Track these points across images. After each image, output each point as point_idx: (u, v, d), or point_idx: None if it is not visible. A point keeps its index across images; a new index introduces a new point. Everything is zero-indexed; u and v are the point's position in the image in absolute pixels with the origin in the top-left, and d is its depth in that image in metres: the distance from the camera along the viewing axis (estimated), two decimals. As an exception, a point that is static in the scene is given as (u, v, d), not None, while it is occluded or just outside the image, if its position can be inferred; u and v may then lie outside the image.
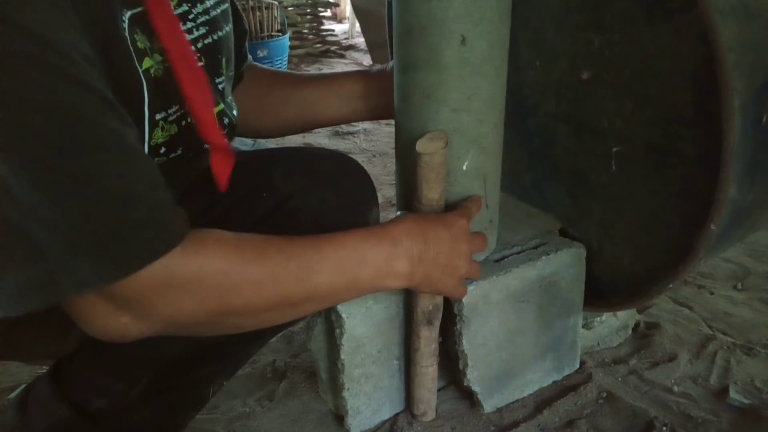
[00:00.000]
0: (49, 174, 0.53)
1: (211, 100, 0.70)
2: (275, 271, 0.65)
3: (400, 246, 0.74)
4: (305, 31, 4.32)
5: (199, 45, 0.76)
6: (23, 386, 0.84)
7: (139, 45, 0.65)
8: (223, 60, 0.82)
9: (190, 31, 0.75)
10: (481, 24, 0.79)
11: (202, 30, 0.77)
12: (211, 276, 0.61)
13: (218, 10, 0.80)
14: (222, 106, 0.82)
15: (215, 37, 0.79)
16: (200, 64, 0.76)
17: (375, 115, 1.02)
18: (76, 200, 0.54)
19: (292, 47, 3.84)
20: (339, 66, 4.04)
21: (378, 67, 1.02)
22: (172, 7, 0.70)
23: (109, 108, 0.56)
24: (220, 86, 0.82)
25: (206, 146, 0.82)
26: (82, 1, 0.55)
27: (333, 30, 4.65)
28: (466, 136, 0.85)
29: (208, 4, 0.78)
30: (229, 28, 0.84)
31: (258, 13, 3.42)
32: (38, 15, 0.51)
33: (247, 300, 0.64)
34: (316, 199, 0.78)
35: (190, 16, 0.75)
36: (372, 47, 4.00)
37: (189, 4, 0.74)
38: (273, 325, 0.71)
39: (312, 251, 0.68)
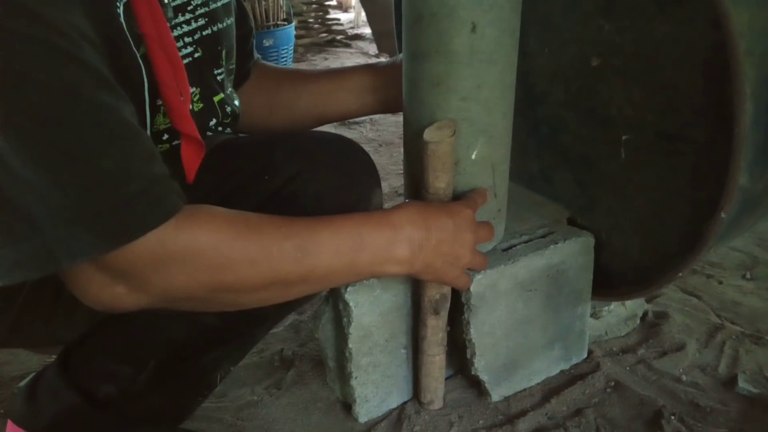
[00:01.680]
0: (46, 149, 0.54)
1: (187, 90, 0.70)
2: (270, 249, 0.65)
3: (401, 232, 0.74)
4: (311, 20, 4.30)
5: (197, 36, 0.77)
6: (32, 374, 0.85)
7: (137, 31, 0.65)
8: (223, 52, 0.83)
9: (188, 22, 0.75)
10: (491, 11, 0.78)
11: (201, 21, 0.77)
12: (203, 250, 0.62)
13: (219, 3, 0.81)
14: (222, 95, 0.82)
15: (215, 28, 0.79)
16: (198, 54, 0.77)
17: (385, 109, 1.02)
18: (72, 175, 0.55)
19: (297, 36, 3.82)
20: (345, 55, 4.03)
21: (387, 60, 1.02)
22: None
23: (106, 85, 0.57)
24: (219, 77, 0.83)
25: (208, 133, 0.83)
26: None
27: (339, 19, 4.63)
28: (475, 126, 0.85)
29: None
30: (230, 21, 0.85)
31: (264, 2, 3.41)
32: None
33: (240, 276, 0.64)
34: (319, 180, 0.78)
35: (189, 7, 0.75)
36: (378, 36, 3.98)
37: None
38: (270, 303, 0.71)
39: (310, 232, 0.68)
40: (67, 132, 0.54)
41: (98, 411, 0.78)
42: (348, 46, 4.29)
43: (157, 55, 0.66)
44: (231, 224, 0.64)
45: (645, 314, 1.23)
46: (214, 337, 0.80)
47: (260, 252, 0.64)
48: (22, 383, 0.85)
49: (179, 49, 0.74)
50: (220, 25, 0.80)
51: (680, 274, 0.93)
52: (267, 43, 3.32)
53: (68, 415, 0.78)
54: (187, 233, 0.61)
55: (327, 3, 4.52)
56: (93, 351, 0.79)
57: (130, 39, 0.64)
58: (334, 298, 0.93)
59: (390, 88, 0.97)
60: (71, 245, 0.56)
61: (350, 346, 0.91)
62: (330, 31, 4.38)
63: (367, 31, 4.44)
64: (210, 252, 0.62)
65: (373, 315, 0.91)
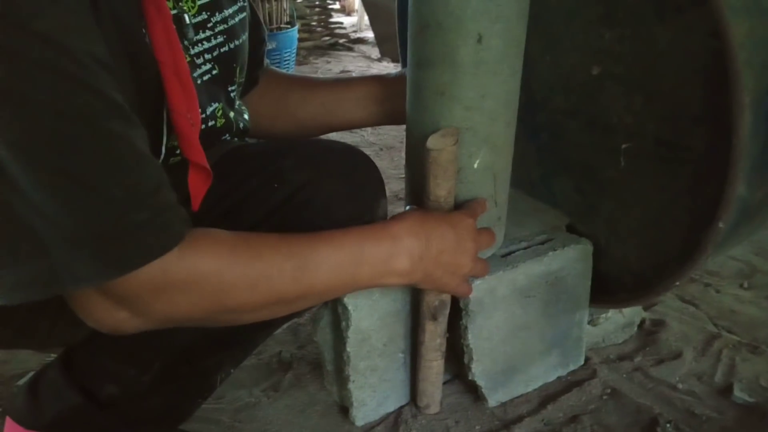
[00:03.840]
0: (56, 175, 0.55)
1: (197, 117, 0.71)
2: (270, 272, 0.66)
3: (400, 244, 0.74)
4: (314, 23, 4.31)
5: (215, 53, 0.78)
6: (33, 373, 0.85)
7: None
8: (238, 69, 0.84)
9: (208, 39, 0.76)
10: (498, 22, 0.78)
11: (220, 39, 0.78)
12: (205, 277, 0.63)
13: (237, 20, 0.82)
14: (233, 113, 0.84)
15: (232, 45, 0.81)
16: (215, 72, 0.78)
17: (391, 120, 1.02)
18: (79, 202, 0.56)
19: (300, 40, 3.83)
20: (347, 59, 4.03)
21: (395, 72, 1.03)
22: (191, 16, 0.72)
23: (118, 113, 0.58)
24: (231, 94, 0.84)
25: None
26: (108, 11, 0.58)
27: (341, 23, 4.64)
28: (479, 135, 0.85)
29: (227, 13, 0.79)
30: (245, 36, 0.86)
31: (267, 5, 3.41)
32: (55, 21, 0.53)
33: (240, 300, 0.66)
34: (327, 189, 0.78)
35: (209, 25, 0.76)
36: (380, 40, 3.99)
37: (208, 13, 0.76)
38: (270, 318, 0.72)
39: (309, 251, 0.69)
40: (76, 159, 0.55)
41: (100, 410, 0.78)
42: (350, 49, 4.30)
43: (171, 82, 0.67)
44: (231, 249, 0.65)
45: (642, 322, 1.23)
46: (220, 340, 0.81)
47: (260, 276, 0.66)
48: (22, 381, 0.85)
49: (198, 66, 0.75)
50: (236, 42, 0.82)
51: (678, 283, 0.93)
52: (270, 45, 3.32)
53: (70, 413, 0.78)
54: (189, 261, 0.62)
55: (330, 6, 4.53)
56: (98, 351, 0.80)
57: (155, 59, 0.65)
58: (333, 301, 0.93)
59: (397, 100, 0.97)
60: (75, 270, 0.57)
61: (348, 349, 0.92)
62: (333, 35, 4.39)
63: (369, 34, 4.45)
64: (211, 279, 0.63)
65: (371, 319, 0.92)
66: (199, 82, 0.75)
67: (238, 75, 0.84)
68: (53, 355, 0.85)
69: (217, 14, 0.77)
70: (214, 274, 0.63)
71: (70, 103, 0.54)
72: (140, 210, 0.58)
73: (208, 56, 0.77)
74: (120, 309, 0.62)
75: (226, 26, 0.79)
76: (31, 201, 0.55)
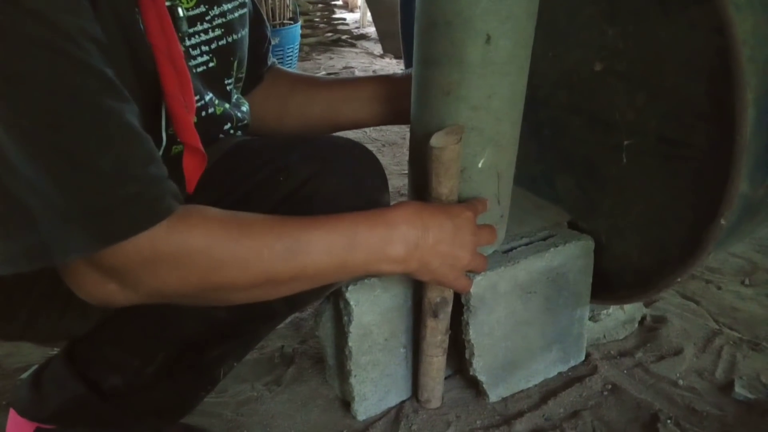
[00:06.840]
0: (46, 149, 0.55)
1: (192, 102, 0.71)
2: (260, 250, 0.66)
3: (396, 231, 0.74)
4: (317, 19, 4.31)
5: (213, 46, 0.79)
6: (36, 366, 0.86)
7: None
8: (235, 63, 0.84)
9: (205, 32, 0.77)
10: (507, 22, 0.78)
11: (218, 32, 0.79)
12: (193, 252, 0.63)
13: (236, 15, 0.82)
14: (228, 105, 0.84)
15: (230, 39, 0.81)
16: (212, 64, 0.79)
17: (397, 119, 1.03)
18: (69, 174, 0.56)
19: (303, 36, 3.83)
20: (350, 55, 4.03)
21: (402, 72, 1.03)
22: (185, 9, 0.73)
23: (109, 87, 0.58)
24: (228, 87, 0.84)
25: (221, 136, 0.84)
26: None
27: (344, 19, 4.64)
28: (484, 135, 0.85)
29: (225, 7, 0.80)
30: (245, 32, 0.86)
31: (270, 1, 3.41)
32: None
33: (229, 277, 0.65)
34: (331, 183, 0.79)
35: (207, 18, 0.77)
36: (383, 37, 3.99)
37: (206, 6, 0.76)
38: (262, 300, 0.71)
39: (301, 232, 0.69)
40: (67, 133, 0.56)
41: (103, 401, 0.79)
42: (353, 45, 4.30)
43: (164, 66, 0.67)
44: (222, 226, 0.65)
45: (643, 318, 1.24)
46: (224, 332, 0.81)
47: (250, 254, 0.65)
48: (26, 374, 0.85)
49: (195, 57, 0.76)
50: (234, 36, 0.82)
51: (679, 279, 0.93)
52: (273, 41, 3.32)
53: (73, 404, 0.79)
54: (178, 235, 0.62)
55: (333, 2, 4.52)
56: (102, 342, 0.80)
57: (150, 45, 0.66)
58: (335, 296, 0.94)
59: (403, 100, 0.97)
60: (65, 242, 0.57)
61: (350, 344, 0.92)
62: (335, 31, 4.39)
63: (372, 30, 4.45)
64: (200, 254, 0.63)
65: (373, 314, 0.92)
66: (194, 72, 0.76)
67: (235, 69, 0.85)
68: (57, 350, 0.85)
69: (215, 8, 0.78)
70: (202, 249, 0.63)
71: (61, 77, 0.55)
72: (130, 183, 0.59)
73: (205, 48, 0.77)
74: (109, 281, 0.62)
75: (224, 20, 0.80)
76: (21, 174, 0.55)
